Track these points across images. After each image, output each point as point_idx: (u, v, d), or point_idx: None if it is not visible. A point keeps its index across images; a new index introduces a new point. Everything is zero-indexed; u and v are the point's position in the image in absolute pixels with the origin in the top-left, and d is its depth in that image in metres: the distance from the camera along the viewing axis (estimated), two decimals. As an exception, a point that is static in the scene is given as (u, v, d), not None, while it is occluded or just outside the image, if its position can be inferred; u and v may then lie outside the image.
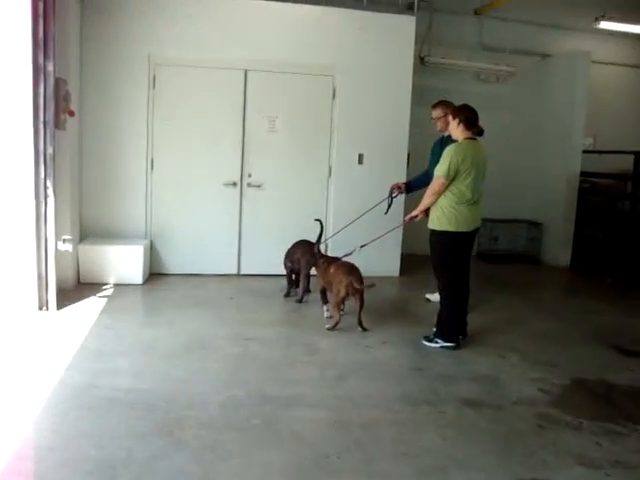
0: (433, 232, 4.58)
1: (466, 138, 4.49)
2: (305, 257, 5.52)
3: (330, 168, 6.69)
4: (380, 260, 6.47)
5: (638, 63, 9.03)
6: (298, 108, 6.51)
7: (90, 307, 5.13)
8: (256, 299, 5.71)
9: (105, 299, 5.39)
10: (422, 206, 4.65)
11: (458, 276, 4.62)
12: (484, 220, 5.76)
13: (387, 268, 6.87)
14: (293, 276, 5.86)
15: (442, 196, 4.47)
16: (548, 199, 8.34)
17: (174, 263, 6.42)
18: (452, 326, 4.61)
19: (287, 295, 5.82)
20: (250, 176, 6.47)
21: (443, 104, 5.58)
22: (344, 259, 5.12)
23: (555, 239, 8.30)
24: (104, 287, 5.75)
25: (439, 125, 5.61)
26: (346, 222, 6.21)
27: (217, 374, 3.87)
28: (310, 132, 6.59)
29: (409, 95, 6.74)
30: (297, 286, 5.73)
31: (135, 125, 6.13)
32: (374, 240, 5.13)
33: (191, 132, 6.26)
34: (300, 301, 5.61)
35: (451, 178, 4.38)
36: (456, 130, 4.52)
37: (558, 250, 8.27)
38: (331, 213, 6.69)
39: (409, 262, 7.10)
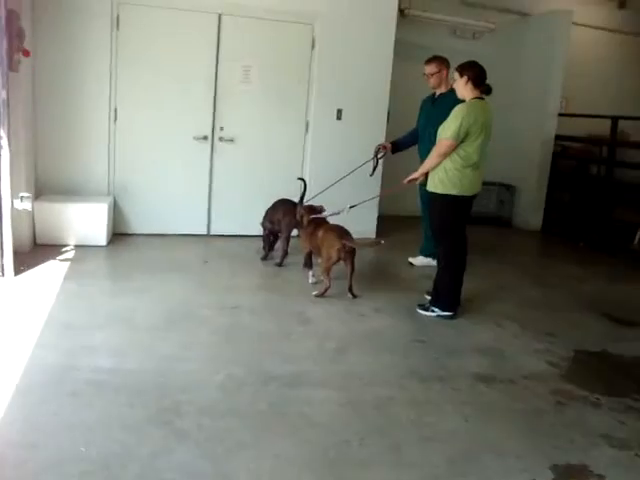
0: (434, 195, 4.30)
1: (474, 97, 4.17)
2: (287, 218, 5.15)
3: (307, 123, 6.28)
4: (356, 221, 6.02)
5: (617, 28, 8.84)
6: (275, 58, 6.02)
7: (51, 272, 4.62)
8: (232, 263, 5.32)
9: (67, 263, 4.88)
10: (424, 168, 4.36)
11: (460, 242, 4.37)
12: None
13: (363, 230, 6.50)
14: (271, 237, 5.49)
15: (447, 158, 4.18)
16: (521, 162, 8.17)
17: (139, 222, 5.92)
18: (451, 294, 4.38)
19: (264, 258, 5.46)
20: (222, 129, 5.99)
21: (438, 59, 5.25)
22: (328, 219, 4.84)
23: (527, 202, 8.19)
24: (64, 249, 5.23)
25: (432, 81, 5.29)
26: (324, 180, 5.86)
27: (209, 349, 3.51)
28: (287, 84, 6.13)
29: (391, 48, 6.36)
30: (272, 249, 5.44)
31: (96, 69, 5.51)
32: (365, 201, 4.83)
33: (159, 80, 5.70)
34: (280, 264, 5.27)
35: (460, 140, 4.08)
36: (463, 89, 4.21)
37: (529, 213, 8.17)
38: (307, 170, 6.30)
39: (384, 224, 6.82)
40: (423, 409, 3.06)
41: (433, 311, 4.39)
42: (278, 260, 5.29)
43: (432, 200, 4.36)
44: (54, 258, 4.95)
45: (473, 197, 4.35)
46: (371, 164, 5.62)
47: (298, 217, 5.00)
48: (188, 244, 5.82)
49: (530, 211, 8.16)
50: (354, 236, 4.58)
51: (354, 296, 4.58)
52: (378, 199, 6.38)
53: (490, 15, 7.86)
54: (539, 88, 7.92)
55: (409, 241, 6.29)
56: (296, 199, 5.24)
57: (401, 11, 7.24)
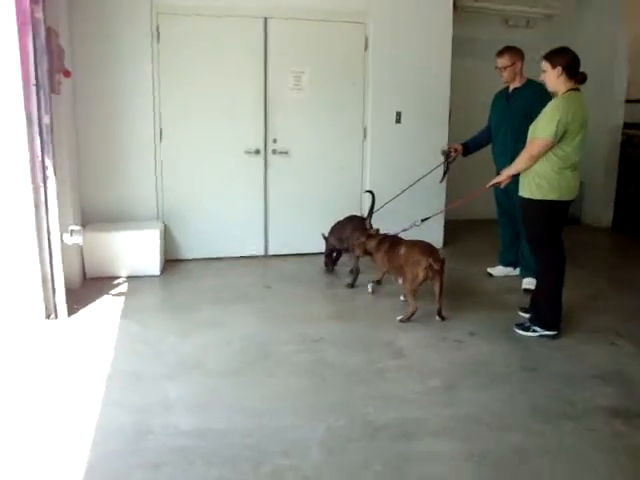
0: (530, 202, 3.80)
1: (570, 89, 3.67)
2: (356, 234, 4.68)
3: (365, 129, 5.80)
4: (420, 230, 5.56)
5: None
6: (327, 61, 5.57)
7: (106, 309, 4.23)
8: (297, 286, 4.86)
9: (121, 297, 4.49)
10: (513, 170, 3.89)
11: (559, 251, 3.85)
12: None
13: (429, 239, 6.00)
14: (334, 254, 5.05)
15: (542, 160, 3.70)
16: (587, 154, 7.52)
17: (191, 247, 5.52)
18: (554, 311, 3.86)
19: (331, 271, 5.16)
20: (275, 142, 5.56)
21: (511, 50, 4.77)
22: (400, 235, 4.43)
23: (596, 197, 7.59)
24: (116, 282, 4.84)
25: (506, 75, 4.81)
26: (385, 190, 5.39)
27: (299, 395, 3.05)
28: (341, 89, 5.67)
29: (449, 44, 5.88)
30: (335, 264, 5.14)
31: (138, 86, 5.13)
32: (438, 213, 4.37)
33: (205, 94, 5.30)
34: (352, 285, 4.79)
35: (558, 139, 3.58)
36: (556, 81, 3.69)
37: (600, 209, 7.58)
38: (368, 180, 5.82)
39: (451, 230, 6.32)
40: (567, 460, 2.57)
41: (535, 331, 3.89)
42: (350, 280, 4.83)
43: (526, 207, 3.86)
44: (107, 293, 4.56)
45: (571, 201, 3.83)
46: (440, 169, 5.15)
47: (357, 248, 4.58)
48: (246, 267, 5.40)
49: (599, 207, 7.58)
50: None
51: (443, 319, 4.10)
52: (443, 206, 5.88)
53: (546, 1, 7.31)
54: (603, 74, 7.31)
55: (482, 249, 5.78)
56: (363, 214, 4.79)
57: (454, 4, 6.76)
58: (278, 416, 2.82)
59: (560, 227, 3.88)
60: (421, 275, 3.95)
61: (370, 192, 4.97)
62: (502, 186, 4.08)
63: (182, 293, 4.64)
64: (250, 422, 2.76)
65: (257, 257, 5.69)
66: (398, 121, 5.85)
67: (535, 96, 4.44)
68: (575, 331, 4.00)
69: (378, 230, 4.59)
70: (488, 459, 2.54)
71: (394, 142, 5.83)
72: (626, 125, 7.46)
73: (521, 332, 3.92)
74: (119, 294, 4.55)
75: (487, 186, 4.16)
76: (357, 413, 2.87)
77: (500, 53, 4.80)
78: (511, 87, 4.86)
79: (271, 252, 5.76)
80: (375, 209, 5.00)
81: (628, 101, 7.42)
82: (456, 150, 5.07)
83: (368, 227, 4.70)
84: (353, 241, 4.70)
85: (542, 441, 2.70)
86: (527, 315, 4.04)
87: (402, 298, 4.42)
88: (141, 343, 3.65)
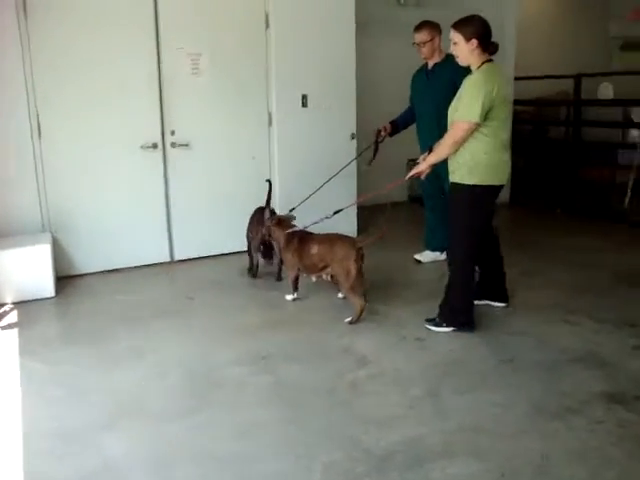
0: (458, 187, 3.41)
1: (485, 61, 3.33)
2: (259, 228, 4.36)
3: (270, 115, 5.30)
4: (333, 220, 5.15)
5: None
6: (225, 42, 4.99)
7: (-2, 346, 3.43)
8: (221, 294, 4.30)
9: (13, 330, 3.69)
10: (435, 157, 3.52)
11: (483, 242, 3.58)
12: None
13: (344, 227, 5.61)
14: (261, 248, 4.60)
15: (471, 141, 3.31)
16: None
17: (85, 259, 4.74)
18: (467, 307, 3.57)
19: (254, 275, 4.62)
20: (173, 134, 4.90)
21: (429, 25, 4.55)
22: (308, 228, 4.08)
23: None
24: (1, 310, 3.99)
25: (425, 51, 4.57)
26: (295, 179, 5.15)
27: (274, 429, 2.55)
28: (243, 71, 5.12)
29: (352, 21, 5.50)
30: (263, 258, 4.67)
31: (6, 73, 4.26)
32: (354, 204, 4.17)
33: (89, 80, 4.52)
34: (279, 278, 4.48)
35: (483, 118, 3.24)
36: (471, 55, 3.31)
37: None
38: (276, 169, 5.34)
39: (365, 216, 6.01)
40: (593, 462, 2.32)
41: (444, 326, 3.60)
42: (277, 275, 4.51)
43: (456, 193, 3.46)
44: (-7, 326, 3.73)
45: (502, 187, 3.49)
46: (372, 150, 4.78)
47: (264, 233, 4.20)
48: (154, 277, 4.73)
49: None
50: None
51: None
52: (355, 192, 5.57)
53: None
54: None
55: (400, 234, 5.53)
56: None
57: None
58: (259, 459, 2.32)
59: (491, 215, 3.61)
60: (353, 269, 3.60)
61: (268, 181, 4.58)
62: (423, 177, 3.72)
63: (87, 317, 3.90)
64: (228, 473, 2.23)
65: (163, 264, 5.02)
66: (304, 104, 5.41)
67: (458, 70, 4.19)
68: (525, 310, 3.87)
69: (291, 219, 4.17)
70: (521, 474, 2.22)
71: (301, 127, 5.39)
72: (515, 102, 7.58)
73: (432, 328, 3.60)
74: (9, 325, 3.74)
75: (407, 177, 3.82)
76: (350, 442, 2.44)
77: (418, 28, 4.55)
78: (430, 63, 4.63)
79: (178, 257, 5.12)
80: (297, 204, 4.54)
81: (516, 79, 7.54)
82: (385, 129, 4.75)
83: (268, 216, 4.26)
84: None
85: (560, 444, 2.45)
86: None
87: (340, 295, 4.03)
88: (55, 386, 2.95)
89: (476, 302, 3.74)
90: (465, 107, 3.27)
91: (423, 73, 4.70)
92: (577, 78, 6.95)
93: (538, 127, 8.03)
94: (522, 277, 4.50)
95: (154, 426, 2.56)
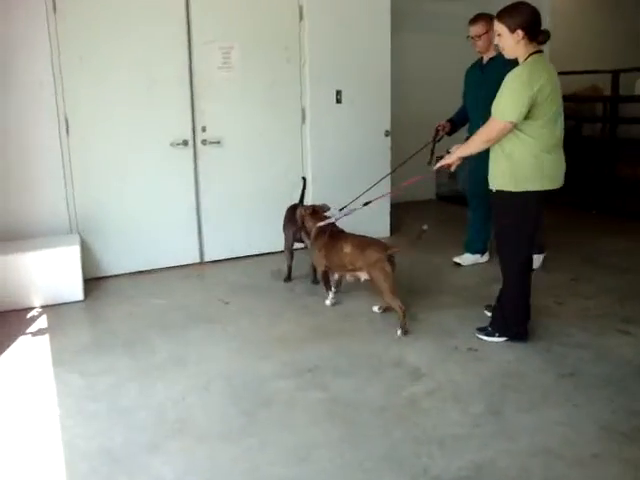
0: (503, 194, 3.14)
1: (532, 52, 3.03)
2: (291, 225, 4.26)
3: (303, 111, 5.13)
4: (366, 219, 4.89)
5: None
6: (258, 34, 4.82)
7: (29, 356, 3.29)
8: (257, 299, 4.14)
9: (44, 336, 3.54)
10: (465, 151, 3.29)
11: (531, 252, 3.35)
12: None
13: (375, 228, 5.40)
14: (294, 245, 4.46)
15: (514, 142, 3.05)
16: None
17: (114, 261, 4.61)
18: (522, 318, 3.36)
19: (287, 279, 4.44)
20: (205, 130, 4.75)
21: (485, 17, 4.32)
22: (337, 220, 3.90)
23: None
24: (30, 315, 3.86)
25: (480, 44, 4.38)
26: (329, 177, 5.08)
27: (332, 451, 2.38)
28: (275, 65, 4.95)
29: (388, 14, 5.32)
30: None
31: (35, 72, 4.12)
32: (383, 196, 4.13)
33: (119, 76, 4.38)
34: (315, 281, 4.30)
35: (523, 118, 2.97)
36: (515, 47, 3.03)
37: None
38: (309, 166, 5.17)
39: (399, 215, 5.85)
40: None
41: (497, 336, 3.41)
42: (312, 277, 4.35)
43: (500, 201, 3.20)
44: (23, 332, 3.59)
45: (552, 191, 3.17)
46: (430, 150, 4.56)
47: (299, 222, 4.05)
48: (185, 279, 4.59)
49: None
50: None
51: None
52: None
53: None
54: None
55: (436, 235, 5.31)
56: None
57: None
58: (321, 486, 2.15)
59: (537, 221, 3.29)
60: (389, 269, 3.45)
61: (303, 178, 4.51)
62: (452, 169, 3.47)
63: (120, 322, 3.76)
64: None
65: (192, 265, 4.87)
66: (339, 101, 5.23)
67: (513, 64, 3.99)
68: (576, 319, 3.68)
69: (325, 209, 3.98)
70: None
71: (336, 123, 5.21)
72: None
73: (484, 337, 3.42)
74: (40, 331, 3.60)
75: (435, 168, 3.58)
76: (414, 466, 2.27)
77: (473, 20, 4.35)
78: (485, 58, 4.44)
79: (208, 258, 4.96)
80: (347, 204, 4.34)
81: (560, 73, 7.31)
82: (444, 127, 4.55)
83: (299, 215, 4.07)
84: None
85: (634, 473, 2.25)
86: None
87: (376, 309, 3.83)
88: (92, 401, 2.80)
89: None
90: (503, 104, 3.01)
91: (477, 68, 4.51)
92: (615, 74, 6.70)
93: (576, 124, 7.78)
94: (562, 282, 4.35)
95: (205, 447, 2.40)
